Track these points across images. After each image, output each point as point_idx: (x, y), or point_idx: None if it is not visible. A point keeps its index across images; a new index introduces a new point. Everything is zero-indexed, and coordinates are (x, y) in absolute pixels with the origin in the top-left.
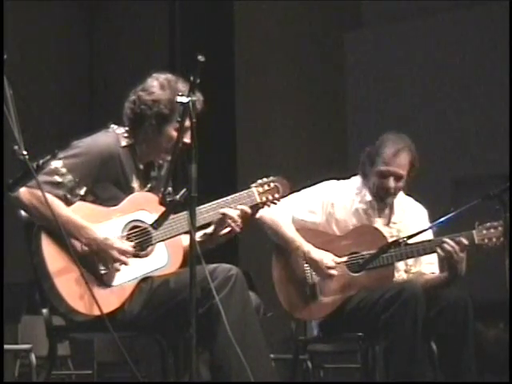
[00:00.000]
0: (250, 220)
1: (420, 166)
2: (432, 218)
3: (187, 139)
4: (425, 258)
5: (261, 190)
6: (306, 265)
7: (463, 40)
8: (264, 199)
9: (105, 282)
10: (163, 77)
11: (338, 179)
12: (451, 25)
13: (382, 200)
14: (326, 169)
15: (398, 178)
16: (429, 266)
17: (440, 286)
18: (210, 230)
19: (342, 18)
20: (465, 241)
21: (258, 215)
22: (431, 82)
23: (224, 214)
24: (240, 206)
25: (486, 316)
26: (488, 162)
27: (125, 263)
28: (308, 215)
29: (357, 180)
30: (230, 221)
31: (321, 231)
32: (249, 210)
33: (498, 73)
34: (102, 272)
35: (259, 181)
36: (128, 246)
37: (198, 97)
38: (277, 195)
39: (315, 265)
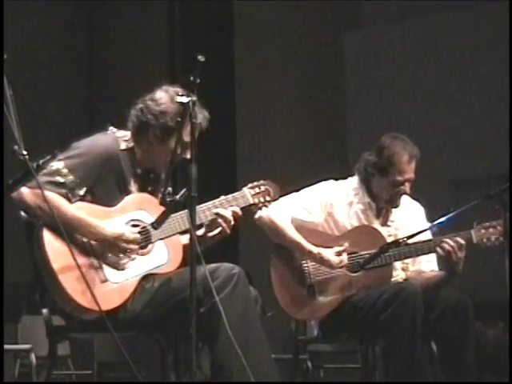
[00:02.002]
0: (239, 223)
1: (420, 166)
2: (432, 218)
3: (188, 155)
4: (424, 256)
5: (252, 192)
6: (305, 265)
7: (463, 40)
8: (256, 201)
9: (119, 269)
10: (173, 90)
11: (337, 179)
12: (451, 25)
13: (395, 203)
14: (325, 169)
15: (411, 181)
16: (428, 264)
17: (438, 285)
18: (200, 232)
19: (342, 18)
20: (461, 241)
21: (256, 216)
22: (431, 82)
23: (218, 214)
24: (232, 208)
25: (486, 316)
26: (488, 162)
27: (135, 252)
28: (307, 215)
29: (354, 180)
30: (222, 221)
31: (319, 231)
32: (240, 212)
33: (497, 73)
34: (113, 261)
35: (250, 184)
36: (135, 235)
37: (205, 114)
38: (268, 198)
39: (321, 263)
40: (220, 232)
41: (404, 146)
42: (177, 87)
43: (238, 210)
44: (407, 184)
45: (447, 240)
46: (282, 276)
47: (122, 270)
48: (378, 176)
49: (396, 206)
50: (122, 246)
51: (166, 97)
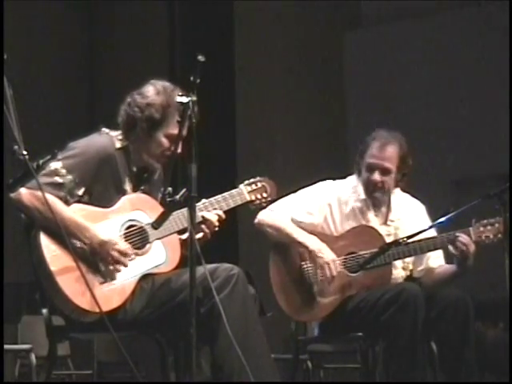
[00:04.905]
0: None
1: (420, 166)
2: (432, 218)
3: (179, 149)
4: (431, 253)
5: (249, 188)
6: (304, 266)
7: (463, 40)
8: (253, 197)
9: (107, 278)
10: (160, 83)
11: (334, 179)
12: (451, 25)
13: (371, 195)
14: (325, 169)
15: (384, 171)
16: (437, 260)
17: (450, 279)
18: (184, 236)
19: (342, 18)
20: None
21: (256, 220)
22: (431, 82)
23: (203, 218)
24: (216, 211)
25: (486, 316)
26: (488, 162)
27: (124, 264)
28: (305, 216)
29: (352, 179)
30: (205, 226)
31: (318, 232)
32: (223, 216)
33: (497, 73)
34: (103, 270)
35: (246, 181)
36: (128, 247)
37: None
38: (265, 194)
39: (318, 255)
40: (201, 237)
41: (383, 135)
42: (166, 81)
43: (221, 213)
44: (377, 173)
45: (462, 235)
46: (282, 277)
47: (113, 279)
48: (360, 161)
49: (372, 196)
50: (114, 255)
51: (152, 90)
